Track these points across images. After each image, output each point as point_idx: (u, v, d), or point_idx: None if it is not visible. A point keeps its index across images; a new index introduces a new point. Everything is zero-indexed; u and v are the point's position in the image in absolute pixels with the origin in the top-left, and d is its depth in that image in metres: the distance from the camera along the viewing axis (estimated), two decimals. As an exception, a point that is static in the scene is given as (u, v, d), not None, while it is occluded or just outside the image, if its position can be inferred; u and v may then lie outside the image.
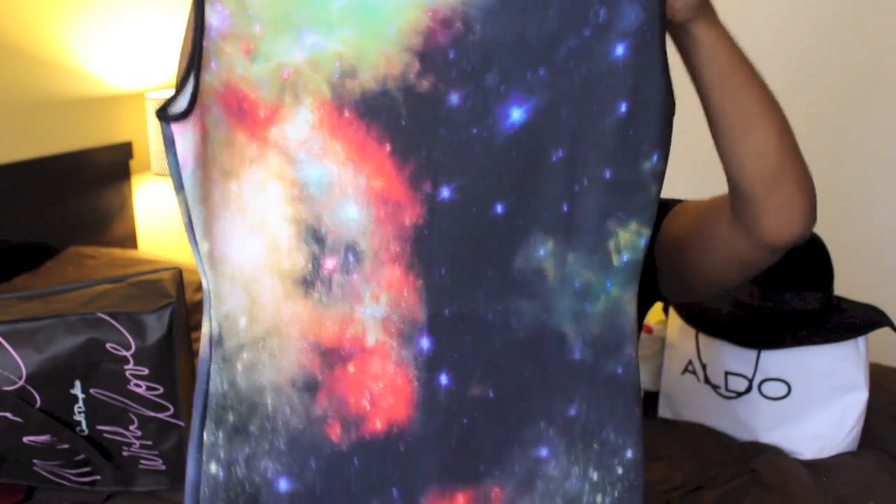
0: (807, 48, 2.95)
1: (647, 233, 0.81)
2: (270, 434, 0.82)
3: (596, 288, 0.82)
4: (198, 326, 2.39)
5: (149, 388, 1.60)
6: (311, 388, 0.81)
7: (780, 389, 1.72)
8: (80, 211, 2.77)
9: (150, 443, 1.64)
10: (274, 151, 0.76)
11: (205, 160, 0.76)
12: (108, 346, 1.57)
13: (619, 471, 0.85)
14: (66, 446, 1.60)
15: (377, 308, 0.80)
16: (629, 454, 0.85)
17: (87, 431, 1.62)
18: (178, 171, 0.77)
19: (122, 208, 2.90)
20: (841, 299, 1.81)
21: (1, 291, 2.23)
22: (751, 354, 1.73)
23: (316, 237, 0.78)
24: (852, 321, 1.73)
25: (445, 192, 0.78)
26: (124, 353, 1.57)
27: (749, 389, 1.74)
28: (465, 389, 0.82)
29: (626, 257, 0.81)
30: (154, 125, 2.76)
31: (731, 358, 1.75)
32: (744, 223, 0.92)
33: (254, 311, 0.81)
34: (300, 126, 0.75)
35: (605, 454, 0.85)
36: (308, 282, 0.79)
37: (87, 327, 1.57)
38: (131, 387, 1.59)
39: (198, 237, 0.80)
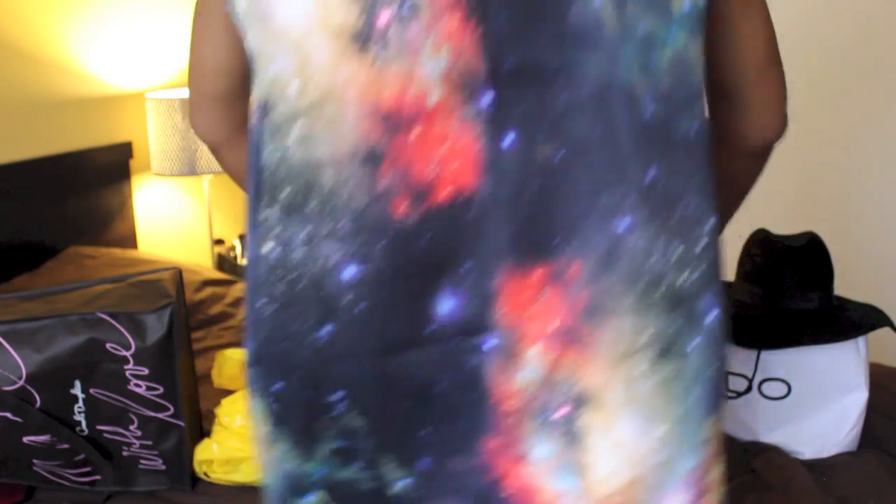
0: (809, 47, 2.95)
1: None
2: (332, 213, 0.75)
3: (660, 36, 0.76)
4: (198, 326, 2.41)
5: (149, 388, 1.60)
6: (373, 159, 0.74)
7: (780, 389, 1.72)
8: (80, 211, 2.77)
9: (150, 443, 1.64)
10: None
11: None
12: (108, 346, 1.57)
13: (703, 243, 0.79)
14: (66, 446, 1.60)
15: (437, 62, 0.73)
16: (710, 225, 0.79)
17: (87, 431, 1.62)
18: None
19: (122, 208, 2.90)
20: (841, 299, 1.81)
21: (1, 291, 2.23)
22: (751, 354, 1.73)
23: None
24: (852, 321, 1.73)
25: None
26: (124, 353, 1.57)
27: (749, 389, 1.74)
28: (533, 150, 0.75)
29: (687, 6, 0.77)
30: (154, 125, 2.76)
31: (731, 358, 1.75)
32: (724, 127, 0.91)
33: (305, 72, 0.74)
34: None
35: (688, 225, 0.78)
36: (363, 36, 0.73)
37: (87, 327, 1.57)
38: (131, 387, 1.59)
39: None
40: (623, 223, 0.77)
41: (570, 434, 0.79)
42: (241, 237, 3.12)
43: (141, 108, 2.87)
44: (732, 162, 0.94)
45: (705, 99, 0.81)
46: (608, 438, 0.79)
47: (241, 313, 2.57)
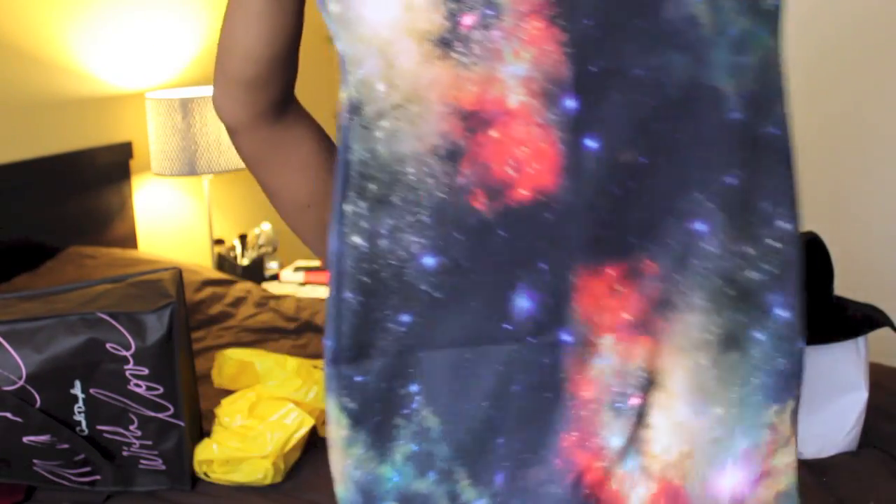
0: (808, 47, 2.95)
1: None
2: (414, 206, 0.78)
3: (752, 36, 0.76)
4: (198, 326, 2.41)
5: (149, 388, 1.60)
6: (453, 155, 0.77)
7: (780, 389, 1.72)
8: (80, 211, 2.77)
9: (150, 443, 1.64)
10: None
11: None
12: (108, 346, 1.57)
13: (777, 245, 0.80)
14: (66, 446, 1.60)
15: (519, 66, 0.75)
16: (785, 225, 0.80)
17: (87, 431, 1.62)
18: None
19: (122, 208, 2.90)
20: (841, 299, 1.81)
21: (1, 291, 2.23)
22: (751, 354, 1.73)
23: None
24: (852, 321, 1.73)
25: None
26: (124, 353, 1.57)
27: (749, 389, 1.74)
28: (615, 154, 0.77)
29: (771, 2, 0.77)
30: (154, 125, 2.76)
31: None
32: None
33: (391, 75, 0.77)
34: None
35: (761, 225, 0.79)
36: (447, 41, 0.75)
37: (87, 327, 1.57)
38: (131, 387, 1.59)
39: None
40: (699, 226, 0.79)
41: (638, 418, 0.82)
42: (241, 237, 3.12)
43: (141, 108, 2.87)
44: None
45: (787, 98, 0.81)
46: (668, 418, 0.82)
47: (241, 313, 2.57)
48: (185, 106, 2.71)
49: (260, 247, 3.11)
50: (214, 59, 0.94)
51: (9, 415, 1.56)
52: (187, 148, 2.74)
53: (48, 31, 2.66)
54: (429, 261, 0.78)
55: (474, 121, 0.77)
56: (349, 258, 0.80)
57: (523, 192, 0.77)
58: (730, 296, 0.80)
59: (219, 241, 3.10)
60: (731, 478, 0.84)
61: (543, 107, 0.76)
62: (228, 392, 1.94)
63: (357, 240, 0.79)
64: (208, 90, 2.85)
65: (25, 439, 1.58)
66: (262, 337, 2.41)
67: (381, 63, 0.77)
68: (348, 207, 0.79)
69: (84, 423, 1.61)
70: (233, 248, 3.12)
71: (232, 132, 0.98)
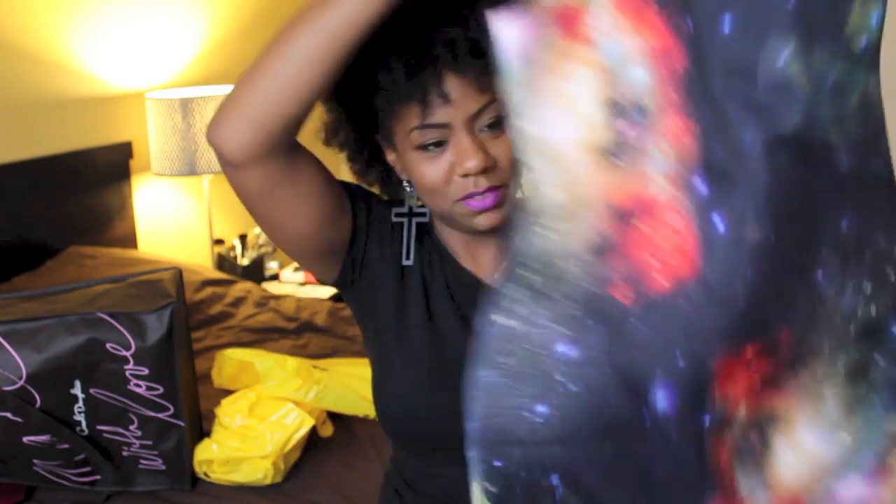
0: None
1: (877, 9, 0.77)
2: (569, 299, 0.80)
3: (849, 80, 0.77)
4: (198, 326, 2.41)
5: (149, 388, 1.60)
6: (605, 250, 0.80)
7: (780, 389, 1.72)
8: (80, 211, 2.77)
9: (150, 443, 1.64)
10: (582, 42, 0.78)
11: (529, 57, 0.79)
12: (108, 346, 1.57)
13: (893, 277, 0.81)
14: (66, 446, 1.60)
15: (665, 161, 0.79)
16: None
17: (87, 431, 1.62)
18: (505, 62, 0.79)
19: (122, 208, 2.90)
20: (841, 299, 1.81)
21: (1, 291, 2.23)
22: (751, 354, 1.73)
23: (616, 107, 0.78)
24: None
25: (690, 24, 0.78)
26: (124, 353, 1.57)
27: (749, 389, 1.74)
28: (743, 234, 0.78)
29: (864, 41, 0.77)
30: (154, 125, 2.76)
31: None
32: None
33: (562, 182, 0.80)
34: (599, 14, 0.78)
35: (877, 261, 0.81)
36: (609, 149, 0.79)
37: (87, 327, 1.57)
38: (131, 387, 1.59)
39: (516, 117, 0.80)
40: (820, 275, 0.80)
41: (763, 453, 0.84)
42: (241, 237, 3.12)
43: (141, 108, 2.87)
44: None
45: (887, 133, 0.82)
46: (794, 449, 0.84)
47: (241, 313, 2.57)
48: (185, 106, 2.71)
49: (260, 247, 3.11)
50: (234, 87, 0.90)
51: (9, 415, 1.56)
52: (187, 148, 2.74)
53: (48, 31, 2.66)
54: (570, 352, 0.80)
55: (627, 216, 0.80)
56: (496, 338, 0.81)
57: (664, 283, 0.79)
58: (854, 333, 0.82)
59: (219, 241, 3.10)
60: (856, 488, 0.86)
61: (685, 197, 0.79)
62: (228, 392, 1.94)
63: (510, 322, 0.81)
64: (208, 90, 2.85)
65: (25, 439, 1.58)
66: (262, 337, 2.41)
67: (551, 170, 0.80)
68: (508, 292, 0.81)
69: (84, 423, 1.61)
70: (233, 248, 3.12)
71: (234, 166, 0.93)
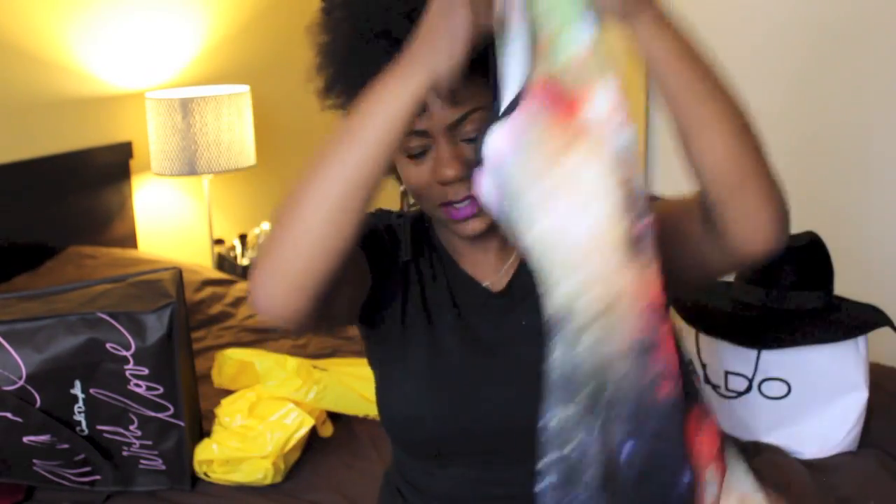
0: (807, 48, 2.95)
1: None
2: (616, 403, 0.82)
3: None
4: (198, 326, 2.41)
5: (149, 388, 1.60)
6: (647, 349, 0.82)
7: (780, 389, 1.72)
8: (80, 211, 2.77)
9: (150, 443, 1.64)
10: (585, 131, 0.79)
11: (529, 150, 0.80)
12: (108, 346, 1.57)
13: None
14: (66, 446, 1.60)
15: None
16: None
17: (87, 431, 1.62)
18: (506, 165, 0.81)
19: (122, 208, 2.90)
20: (841, 299, 1.81)
21: (1, 291, 2.23)
22: (751, 354, 1.73)
23: (630, 199, 0.80)
24: (852, 321, 1.73)
25: None
26: (124, 353, 1.57)
27: (749, 389, 1.74)
28: None
29: None
30: (154, 125, 2.76)
31: (731, 358, 1.75)
32: (712, 228, 0.90)
33: (590, 286, 0.81)
34: (601, 103, 0.79)
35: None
36: (632, 243, 0.81)
37: (87, 327, 1.57)
38: (131, 387, 1.59)
39: (526, 223, 0.81)
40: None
41: None
42: (241, 237, 3.12)
43: (141, 108, 2.87)
44: (718, 261, 0.96)
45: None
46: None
47: (241, 313, 2.57)
48: (185, 106, 2.71)
49: (260, 247, 3.11)
50: (265, 245, 0.87)
51: (9, 415, 1.56)
52: (187, 148, 2.74)
53: (48, 31, 2.65)
54: (627, 448, 0.84)
55: (659, 311, 0.82)
56: (561, 471, 0.84)
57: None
58: None
59: (219, 241, 3.10)
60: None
61: None
62: (228, 392, 1.93)
63: (568, 450, 0.83)
64: (208, 90, 2.85)
65: (25, 439, 1.58)
66: (262, 337, 2.41)
67: (581, 277, 0.81)
68: (556, 413, 0.83)
69: (84, 423, 1.61)
70: (233, 247, 3.12)
71: (286, 322, 0.91)
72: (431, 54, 0.81)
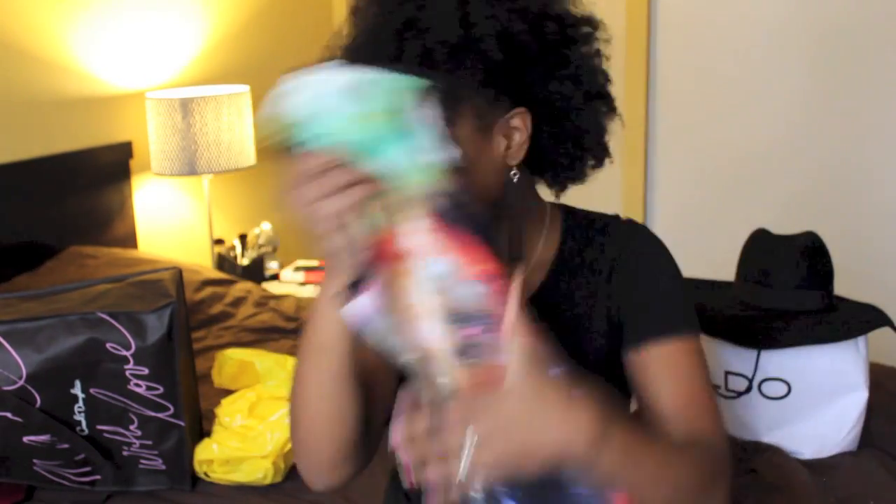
0: (807, 48, 2.95)
1: None
2: None
3: None
4: (198, 326, 2.41)
5: (149, 388, 1.60)
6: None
7: (780, 389, 1.72)
8: (80, 211, 2.77)
9: (150, 443, 1.64)
10: (407, 265, 0.85)
11: (385, 306, 0.87)
12: (108, 345, 1.57)
13: None
14: (66, 446, 1.60)
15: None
16: None
17: (87, 431, 1.62)
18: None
19: (122, 208, 2.90)
20: (841, 299, 1.81)
21: (1, 291, 2.23)
22: (751, 354, 1.73)
23: (457, 316, 0.85)
24: (852, 321, 1.73)
25: None
26: (124, 352, 1.57)
27: (749, 389, 1.74)
28: None
29: None
30: (154, 125, 2.76)
31: (731, 358, 1.75)
32: None
33: (441, 375, 0.87)
34: (418, 236, 0.85)
35: None
36: (463, 350, 0.86)
37: (87, 327, 1.57)
38: (131, 387, 1.59)
39: (397, 352, 0.88)
40: None
41: None
42: (241, 237, 3.12)
43: (141, 108, 2.87)
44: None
45: None
46: None
47: (241, 313, 2.57)
48: (185, 106, 2.71)
49: (260, 246, 3.11)
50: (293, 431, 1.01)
51: (9, 415, 1.56)
52: (187, 148, 2.74)
53: (48, 31, 2.66)
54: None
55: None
56: None
57: None
58: None
59: (219, 241, 3.10)
60: None
61: None
62: (228, 392, 1.93)
63: None
64: (208, 90, 2.85)
65: (25, 439, 1.58)
66: (262, 337, 2.41)
67: (433, 367, 0.86)
68: None
69: (84, 423, 1.61)
70: (233, 247, 3.12)
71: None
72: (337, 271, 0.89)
